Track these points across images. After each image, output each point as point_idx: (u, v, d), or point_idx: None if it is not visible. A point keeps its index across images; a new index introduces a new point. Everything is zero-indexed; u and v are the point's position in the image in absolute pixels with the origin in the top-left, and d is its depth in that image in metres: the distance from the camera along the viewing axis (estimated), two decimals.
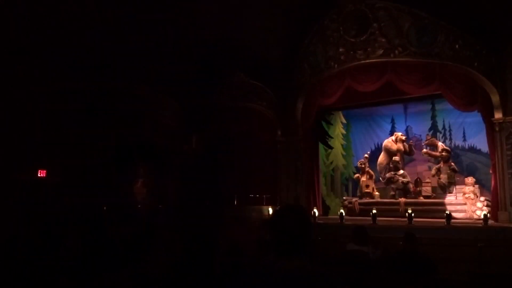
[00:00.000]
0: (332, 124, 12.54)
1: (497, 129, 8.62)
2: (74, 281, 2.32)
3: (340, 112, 12.59)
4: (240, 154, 10.75)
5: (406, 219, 8.15)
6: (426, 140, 11.02)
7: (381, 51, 8.78)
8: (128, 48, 9.91)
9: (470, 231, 7.65)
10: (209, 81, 10.88)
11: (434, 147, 10.75)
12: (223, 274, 2.66)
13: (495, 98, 8.53)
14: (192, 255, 2.51)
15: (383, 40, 8.71)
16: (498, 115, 8.56)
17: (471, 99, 8.99)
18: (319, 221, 9.09)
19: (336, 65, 9.30)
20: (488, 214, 7.77)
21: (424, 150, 10.98)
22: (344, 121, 13.00)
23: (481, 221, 7.68)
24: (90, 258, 2.42)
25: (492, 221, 8.05)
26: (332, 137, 12.51)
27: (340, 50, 9.20)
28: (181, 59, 10.87)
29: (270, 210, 9.64)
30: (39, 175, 9.80)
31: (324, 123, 11.92)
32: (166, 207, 10.34)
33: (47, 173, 9.89)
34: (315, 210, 9.29)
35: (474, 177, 9.76)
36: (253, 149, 11.01)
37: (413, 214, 8.12)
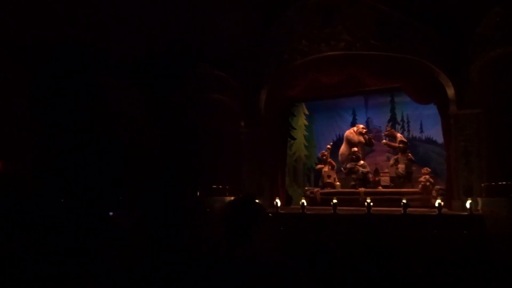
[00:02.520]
0: (295, 115, 12.67)
1: (451, 121, 8.97)
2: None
3: (303, 104, 12.74)
4: (205, 145, 10.69)
5: (365, 208, 8.39)
6: (386, 132, 11.37)
7: (344, 44, 8.91)
8: (90, 37, 9.63)
9: (425, 219, 7.99)
10: (173, 72, 10.70)
11: (393, 138, 11.11)
12: (187, 264, 2.63)
13: (451, 92, 8.85)
14: (159, 246, 2.48)
15: (346, 33, 8.85)
16: (453, 108, 8.91)
17: (428, 93, 9.30)
18: (281, 211, 9.19)
19: (300, 57, 9.36)
20: (442, 203, 8.11)
21: (384, 141, 11.33)
22: (307, 112, 13.17)
23: (436, 209, 8.01)
24: (45, 254, 2.34)
25: (446, 210, 8.41)
26: (295, 128, 12.66)
27: (304, 42, 9.27)
28: (145, 50, 10.68)
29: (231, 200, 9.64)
30: None
31: (287, 114, 12.01)
32: (127, 199, 10.15)
33: (2, 165, 9.47)
34: (277, 200, 9.38)
35: (429, 167, 10.21)
36: (218, 140, 10.98)
37: (372, 204, 8.37)
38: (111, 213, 4.17)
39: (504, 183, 7.65)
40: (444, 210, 8.14)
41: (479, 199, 8.16)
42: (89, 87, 9.83)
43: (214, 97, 10.63)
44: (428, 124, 11.64)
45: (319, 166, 11.67)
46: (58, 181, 9.29)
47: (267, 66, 10.06)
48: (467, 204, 8.01)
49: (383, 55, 8.86)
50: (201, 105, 10.70)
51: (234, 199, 1.93)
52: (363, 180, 10.47)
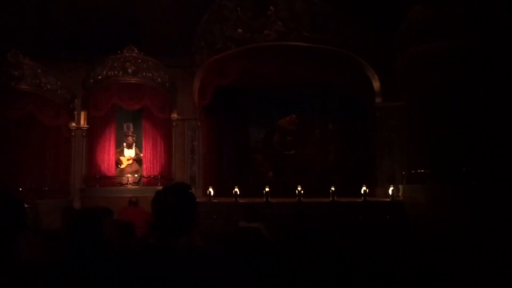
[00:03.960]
0: None
1: (377, 113, 9.45)
2: None
3: None
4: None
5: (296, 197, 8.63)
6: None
7: (277, 35, 8.97)
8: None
9: (352, 206, 8.40)
10: (103, 55, 10.22)
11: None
12: (111, 255, 2.54)
13: (376, 85, 9.30)
14: (75, 237, 2.35)
15: (280, 23, 8.90)
16: (378, 100, 9.38)
17: (357, 86, 9.62)
18: (214, 200, 9.16)
19: (233, 46, 9.29)
20: (367, 190, 8.55)
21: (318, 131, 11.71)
22: None
23: (362, 197, 8.44)
24: None
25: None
26: None
27: (238, 31, 9.20)
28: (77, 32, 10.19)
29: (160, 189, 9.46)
30: None
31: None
32: None
33: None
34: (210, 189, 9.34)
35: None
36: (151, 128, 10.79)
37: (302, 192, 8.62)
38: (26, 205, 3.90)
39: (422, 171, 8.23)
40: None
41: (400, 186, 8.70)
42: None
43: (144, 82, 10.23)
44: None
45: (255, 155, 11.80)
46: None
47: (201, 54, 9.88)
48: (390, 191, 8.52)
49: (314, 47, 9.05)
50: (132, 90, 10.29)
51: (164, 188, 1.86)
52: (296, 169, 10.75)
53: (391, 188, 8.54)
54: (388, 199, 8.51)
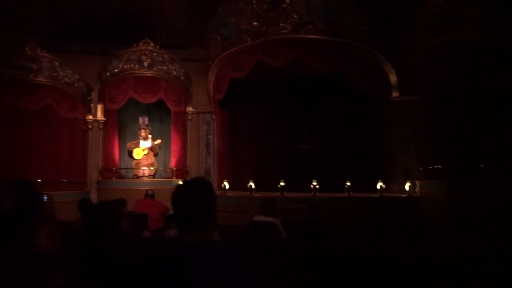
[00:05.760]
0: None
1: (393, 107, 9.33)
2: None
3: None
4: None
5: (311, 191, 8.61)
6: None
7: (292, 27, 8.90)
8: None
9: (368, 201, 8.32)
10: (118, 48, 10.30)
11: None
12: (127, 247, 2.56)
13: (393, 79, 9.18)
14: (91, 225, 2.38)
15: (295, 16, 8.82)
16: (395, 94, 9.26)
17: (370, 79, 9.50)
18: (228, 194, 9.18)
19: (248, 39, 9.26)
20: (384, 186, 8.46)
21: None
22: None
23: (378, 192, 8.36)
24: None
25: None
26: None
27: (253, 23, 9.15)
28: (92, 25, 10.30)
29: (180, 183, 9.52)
30: None
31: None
32: None
33: None
34: (225, 183, 9.36)
35: None
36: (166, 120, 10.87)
37: (317, 186, 8.59)
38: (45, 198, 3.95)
39: (439, 167, 8.11)
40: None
41: (417, 182, 8.59)
42: None
43: (159, 76, 10.28)
44: None
45: None
46: None
47: (216, 47, 9.87)
48: (406, 187, 8.42)
49: (330, 40, 8.97)
50: (147, 83, 10.36)
51: (184, 182, 1.86)
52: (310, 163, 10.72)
53: (407, 184, 8.44)
54: (405, 195, 8.41)
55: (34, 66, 9.45)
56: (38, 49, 9.50)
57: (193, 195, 1.67)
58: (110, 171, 10.62)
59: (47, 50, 9.69)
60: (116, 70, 10.08)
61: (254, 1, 8.99)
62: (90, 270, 2.13)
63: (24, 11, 9.78)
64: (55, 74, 9.73)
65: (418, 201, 8.28)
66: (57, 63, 9.75)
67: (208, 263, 1.55)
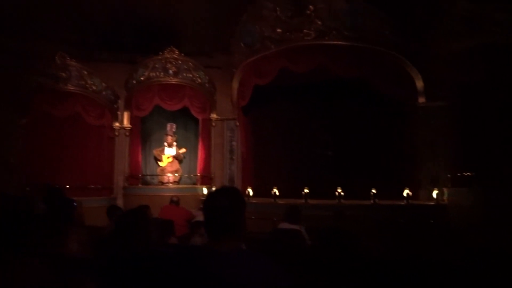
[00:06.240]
0: None
1: (420, 113, 9.16)
2: None
3: None
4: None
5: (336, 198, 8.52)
6: None
7: (316, 33, 8.88)
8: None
9: (394, 209, 8.17)
10: (143, 56, 10.50)
11: None
12: (155, 253, 2.59)
13: (420, 84, 9.02)
14: (124, 229, 2.42)
15: (319, 22, 8.81)
16: (421, 99, 9.10)
17: (394, 84, 9.36)
18: (252, 201, 9.18)
19: (272, 46, 9.29)
20: (410, 193, 8.29)
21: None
22: None
23: (404, 199, 8.21)
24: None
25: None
26: None
27: (277, 30, 9.18)
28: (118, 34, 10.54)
29: (204, 190, 9.59)
30: None
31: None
32: None
33: None
34: (249, 189, 9.36)
35: None
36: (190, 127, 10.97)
37: (342, 194, 8.49)
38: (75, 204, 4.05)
39: (468, 174, 7.91)
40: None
41: (445, 189, 8.39)
42: None
43: (184, 83, 10.43)
44: None
45: None
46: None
47: (240, 54, 9.94)
48: (434, 194, 8.24)
49: (354, 45, 8.90)
50: (172, 90, 10.51)
51: (215, 189, 1.88)
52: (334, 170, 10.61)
53: (435, 191, 8.26)
54: (432, 203, 8.23)
55: (63, 75, 9.73)
56: (67, 58, 9.77)
57: (224, 203, 1.68)
58: (136, 177, 10.78)
59: (76, 59, 9.96)
60: (142, 78, 10.26)
61: (278, 8, 9.02)
62: (121, 276, 2.16)
63: (53, 21, 10.08)
64: (83, 82, 9.99)
65: (446, 209, 8.08)
66: (85, 72, 10.01)
67: (239, 272, 1.56)
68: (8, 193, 4.02)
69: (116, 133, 10.83)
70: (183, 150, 11.09)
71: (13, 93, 9.62)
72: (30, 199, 4.00)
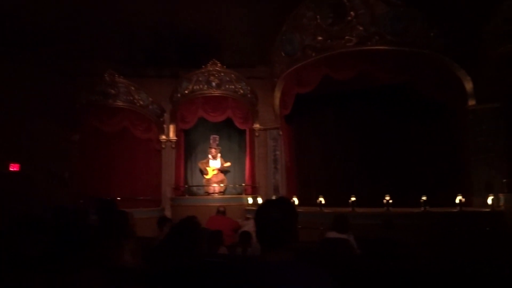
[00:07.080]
0: None
1: (470, 116, 8.80)
2: (42, 278, 2.22)
3: None
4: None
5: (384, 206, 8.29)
6: None
7: (358, 40, 8.77)
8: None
9: (447, 217, 7.85)
10: (186, 70, 10.79)
11: None
12: (206, 263, 2.63)
13: (469, 86, 8.68)
14: (177, 239, 2.48)
15: (360, 28, 8.69)
16: (471, 102, 8.74)
17: (440, 88, 9.04)
18: (298, 210, 9.10)
19: (313, 54, 9.25)
20: (463, 200, 7.94)
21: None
22: None
23: (457, 206, 7.87)
24: (60, 254, 2.34)
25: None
26: None
27: (318, 38, 9.14)
28: (162, 50, 10.91)
29: (250, 200, 9.64)
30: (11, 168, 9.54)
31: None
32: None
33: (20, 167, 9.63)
34: (294, 198, 9.32)
35: None
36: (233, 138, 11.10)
37: (390, 201, 8.26)
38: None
39: None
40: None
41: (501, 195, 7.98)
42: None
43: (227, 95, 10.59)
44: None
45: None
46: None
47: (281, 64, 9.97)
48: (489, 201, 7.85)
49: (397, 50, 8.71)
50: (216, 102, 10.70)
51: (267, 200, 1.90)
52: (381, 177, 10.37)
53: (490, 198, 7.87)
54: (487, 209, 7.84)
55: (112, 91, 10.17)
56: (116, 75, 10.20)
57: (277, 215, 1.69)
58: (182, 188, 11.02)
59: (123, 76, 10.38)
60: (186, 92, 10.53)
61: (318, 16, 8.99)
62: (173, 286, 2.20)
63: (101, 40, 10.59)
64: (131, 98, 10.39)
65: (503, 216, 7.67)
66: (133, 88, 10.41)
67: (293, 283, 1.55)
68: (65, 206, 4.22)
69: (163, 146, 11.15)
70: (228, 164, 11.25)
71: (65, 111, 10.15)
72: (84, 212, 4.19)
